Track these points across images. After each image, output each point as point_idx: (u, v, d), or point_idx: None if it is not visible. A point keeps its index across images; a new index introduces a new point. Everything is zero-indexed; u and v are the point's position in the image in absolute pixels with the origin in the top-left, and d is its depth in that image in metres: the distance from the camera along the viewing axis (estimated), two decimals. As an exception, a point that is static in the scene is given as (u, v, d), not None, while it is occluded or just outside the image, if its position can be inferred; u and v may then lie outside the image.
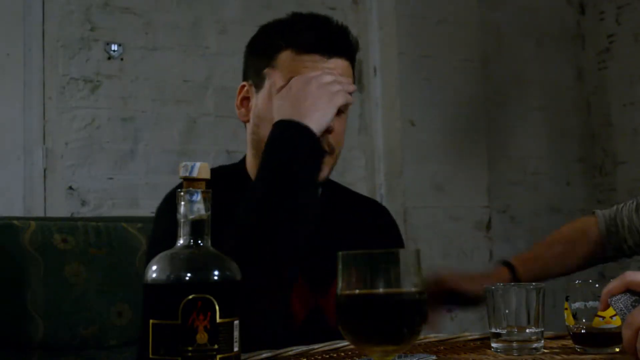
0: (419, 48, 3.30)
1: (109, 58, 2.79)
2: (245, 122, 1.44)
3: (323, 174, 1.37)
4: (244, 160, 1.49)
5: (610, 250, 1.75)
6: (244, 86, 1.45)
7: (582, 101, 3.83)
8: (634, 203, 1.72)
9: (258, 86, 1.40)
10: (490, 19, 3.59)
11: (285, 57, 1.37)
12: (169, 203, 1.39)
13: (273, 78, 1.37)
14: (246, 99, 1.43)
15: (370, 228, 1.50)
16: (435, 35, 3.35)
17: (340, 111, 1.37)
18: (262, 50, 1.42)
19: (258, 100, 1.40)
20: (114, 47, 2.80)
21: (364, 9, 3.29)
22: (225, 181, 1.39)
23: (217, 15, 2.99)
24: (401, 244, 1.57)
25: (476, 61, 3.45)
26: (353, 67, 1.43)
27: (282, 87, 1.35)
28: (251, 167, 1.44)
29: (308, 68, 1.35)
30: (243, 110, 1.44)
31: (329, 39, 1.40)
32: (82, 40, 2.75)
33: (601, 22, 3.77)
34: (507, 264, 1.69)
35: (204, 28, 2.97)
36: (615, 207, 1.77)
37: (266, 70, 1.38)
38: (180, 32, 2.92)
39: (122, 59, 2.81)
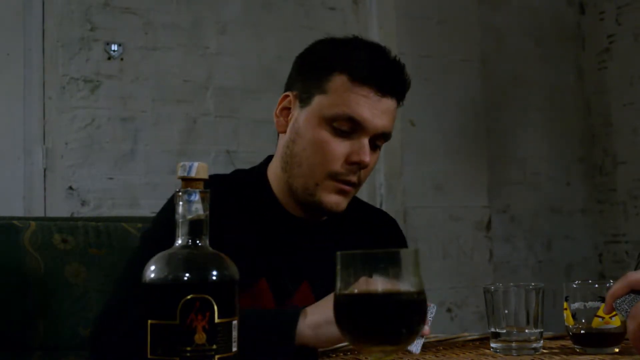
0: (419, 48, 3.30)
1: (109, 58, 2.79)
2: (281, 132, 1.43)
3: (342, 206, 1.39)
4: (266, 164, 1.47)
5: None
6: (287, 96, 1.42)
7: (582, 101, 3.83)
8: None
9: (304, 102, 1.38)
10: (490, 18, 3.59)
11: (339, 82, 1.35)
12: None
13: (322, 101, 1.35)
14: (286, 109, 1.41)
15: (377, 241, 1.50)
16: (435, 35, 3.35)
17: (377, 146, 1.40)
18: (315, 68, 1.39)
19: (301, 115, 1.38)
20: (114, 47, 2.80)
21: (364, 9, 3.29)
22: (238, 189, 1.41)
23: (217, 15, 2.99)
24: None
25: (476, 61, 3.45)
26: (399, 106, 1.43)
27: (330, 117, 1.34)
28: (275, 177, 1.43)
29: (360, 105, 1.33)
30: (282, 120, 1.42)
31: (387, 74, 1.37)
32: (82, 40, 2.75)
33: (601, 22, 3.77)
34: None
35: (204, 28, 2.97)
36: None
37: (316, 90, 1.36)
38: (180, 32, 2.92)
39: (122, 59, 2.81)
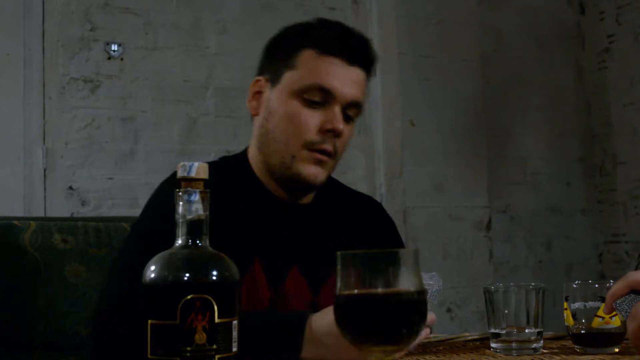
0: (419, 48, 3.30)
1: (109, 58, 2.79)
2: (255, 115, 1.46)
3: (321, 178, 1.39)
4: (246, 151, 1.50)
5: None
6: (258, 80, 1.45)
7: (582, 101, 3.83)
8: None
9: (274, 81, 1.42)
10: (490, 19, 3.59)
11: (307, 56, 1.39)
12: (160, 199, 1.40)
13: (291, 76, 1.38)
14: (259, 93, 1.45)
15: (366, 225, 1.51)
16: (435, 35, 3.34)
17: (350, 118, 1.40)
18: (284, 48, 1.43)
19: (272, 95, 1.41)
20: (114, 47, 2.80)
21: (364, 9, 3.29)
22: (226, 174, 1.44)
23: (217, 15, 2.99)
24: (399, 239, 1.58)
25: (476, 61, 3.44)
26: (368, 79, 1.44)
27: (300, 89, 1.37)
28: (254, 160, 1.46)
29: (330, 74, 1.36)
30: (254, 103, 1.45)
31: (354, 45, 1.41)
32: (82, 40, 2.75)
33: (601, 22, 3.77)
34: None
35: (204, 28, 2.97)
36: None
37: (285, 68, 1.40)
38: (180, 32, 2.92)
39: (122, 59, 2.81)
